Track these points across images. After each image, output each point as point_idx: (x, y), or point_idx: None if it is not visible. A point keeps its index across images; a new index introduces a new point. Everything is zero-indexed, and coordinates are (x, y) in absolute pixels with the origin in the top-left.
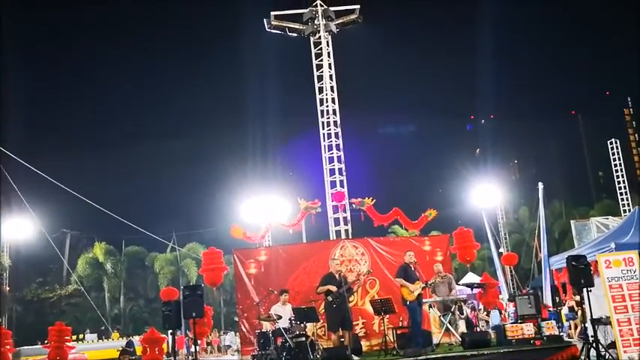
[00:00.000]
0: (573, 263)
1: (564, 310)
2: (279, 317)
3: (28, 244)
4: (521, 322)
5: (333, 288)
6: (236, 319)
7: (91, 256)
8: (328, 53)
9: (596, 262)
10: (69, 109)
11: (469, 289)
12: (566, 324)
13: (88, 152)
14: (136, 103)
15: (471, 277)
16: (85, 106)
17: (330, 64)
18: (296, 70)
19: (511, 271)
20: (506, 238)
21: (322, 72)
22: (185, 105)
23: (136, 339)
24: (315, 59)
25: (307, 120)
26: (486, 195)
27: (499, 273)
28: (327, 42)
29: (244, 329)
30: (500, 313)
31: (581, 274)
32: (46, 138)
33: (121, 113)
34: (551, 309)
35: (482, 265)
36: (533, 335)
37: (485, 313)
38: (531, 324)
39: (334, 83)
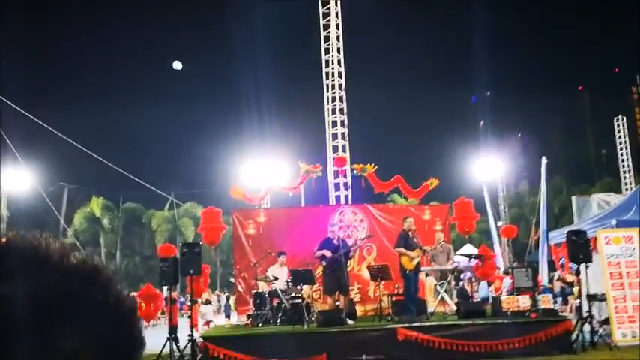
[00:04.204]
0: (573, 238)
1: (556, 287)
2: (276, 278)
3: (26, 196)
4: (517, 294)
5: (328, 253)
6: (232, 279)
7: (88, 210)
8: (336, 13)
9: (596, 238)
10: (74, 61)
11: (466, 259)
12: (559, 299)
13: (92, 106)
14: (141, 60)
15: (469, 249)
16: (90, 60)
17: (337, 25)
18: (301, 31)
19: (508, 245)
20: (505, 212)
21: (329, 32)
22: (189, 64)
23: (132, 295)
24: (323, 19)
25: (311, 82)
26: (488, 168)
27: (496, 245)
28: (337, 1)
29: (240, 289)
30: (489, 284)
31: (581, 249)
32: (49, 89)
33: (126, 68)
34: (545, 284)
35: (479, 237)
36: (529, 308)
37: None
38: (527, 296)
39: (341, 45)
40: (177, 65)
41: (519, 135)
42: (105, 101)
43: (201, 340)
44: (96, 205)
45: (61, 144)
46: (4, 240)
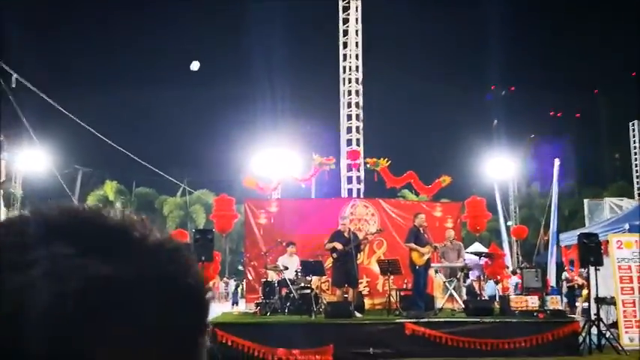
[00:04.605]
0: (584, 241)
1: (564, 289)
2: (286, 268)
3: (40, 177)
4: (526, 295)
5: (339, 246)
6: (241, 267)
7: (101, 193)
8: (356, 7)
9: (607, 241)
10: (92, 43)
11: (476, 257)
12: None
13: (109, 90)
14: (158, 46)
15: (478, 247)
16: (109, 43)
17: (357, 19)
18: (319, 22)
19: (517, 245)
20: (515, 212)
21: (348, 26)
22: (205, 51)
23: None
24: (342, 12)
25: (327, 74)
26: (500, 167)
27: (505, 245)
28: None
29: (250, 277)
30: (497, 283)
31: (592, 252)
32: (68, 71)
33: (144, 54)
34: (554, 285)
35: (489, 236)
36: (537, 308)
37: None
38: (536, 297)
39: (359, 39)
40: (194, 66)
41: (532, 136)
42: (122, 86)
43: (211, 326)
44: (109, 188)
45: (77, 127)
46: (84, 212)
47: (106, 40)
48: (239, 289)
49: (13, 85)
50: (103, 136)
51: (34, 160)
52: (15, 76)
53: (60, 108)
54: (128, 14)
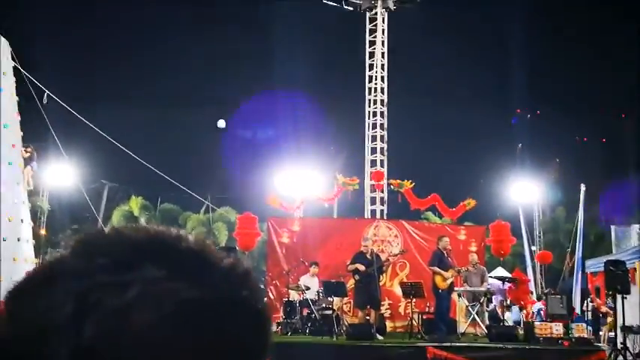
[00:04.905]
0: (611, 268)
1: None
2: (308, 288)
3: (67, 191)
4: (550, 321)
5: (362, 267)
6: (262, 286)
7: (126, 209)
8: (382, 30)
9: (635, 269)
10: (120, 58)
11: (499, 282)
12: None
13: (137, 106)
14: (186, 61)
15: (501, 272)
16: (137, 59)
17: (383, 42)
18: (345, 43)
19: (541, 270)
20: (540, 237)
21: (374, 49)
22: (230, 73)
23: None
24: (369, 35)
25: (352, 95)
26: (525, 191)
27: (529, 270)
28: (383, 18)
29: (271, 296)
30: (521, 310)
31: (619, 279)
32: (96, 88)
33: (174, 71)
34: (579, 312)
35: (512, 260)
36: (562, 335)
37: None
38: (561, 324)
39: (385, 61)
40: (221, 124)
41: (558, 160)
42: (149, 102)
43: None
44: (135, 204)
45: (105, 142)
46: (164, 235)
47: (137, 57)
48: None
49: (45, 102)
50: (130, 151)
51: (61, 175)
52: (47, 92)
53: (88, 123)
54: (156, 31)
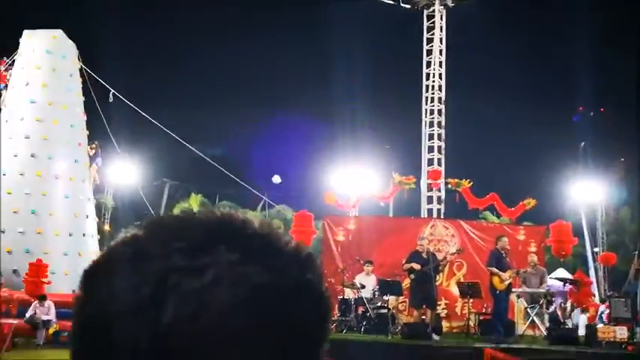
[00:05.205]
0: None
1: None
2: (363, 286)
3: (130, 189)
4: (614, 325)
5: (417, 266)
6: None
7: (186, 206)
8: (440, 27)
9: None
10: (182, 54)
11: (559, 283)
12: None
13: (197, 103)
14: (245, 61)
15: (562, 273)
16: (198, 55)
17: (441, 39)
18: (402, 41)
19: (604, 273)
20: (603, 238)
21: (432, 46)
22: (287, 72)
23: None
24: (427, 33)
25: (408, 93)
26: (587, 191)
27: (592, 272)
28: (441, 16)
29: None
30: (584, 312)
31: None
32: (158, 86)
33: (229, 68)
34: None
35: (573, 261)
36: (626, 339)
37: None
38: (625, 328)
39: (443, 58)
40: (276, 180)
41: (622, 159)
42: (209, 99)
43: None
44: (194, 201)
45: (167, 140)
46: (234, 219)
47: (198, 51)
48: None
49: (111, 100)
50: (190, 149)
51: (124, 173)
52: (112, 92)
53: (152, 120)
54: (219, 31)
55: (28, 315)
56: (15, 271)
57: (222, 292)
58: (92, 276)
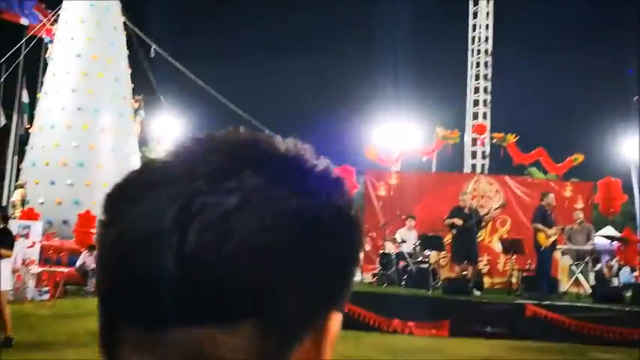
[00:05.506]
0: None
1: None
2: (404, 241)
3: (173, 142)
4: None
5: (459, 221)
6: None
7: None
8: None
9: None
10: (232, 19)
11: (607, 241)
12: None
13: (236, 61)
14: (291, 25)
15: (609, 231)
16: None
17: None
18: None
19: None
20: None
21: None
22: (331, 26)
23: None
24: None
25: (453, 44)
26: (639, 147)
27: None
28: None
29: (367, 248)
30: (633, 271)
31: None
32: (200, 42)
33: (275, 30)
34: None
35: (622, 220)
36: None
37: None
38: None
39: (490, 8)
40: None
41: None
42: (248, 57)
43: None
44: None
45: (208, 97)
46: (259, 139)
47: (233, 10)
48: None
49: (152, 55)
50: (230, 106)
51: (167, 126)
52: (154, 47)
53: (193, 77)
54: None
55: (78, 264)
56: (65, 222)
57: (248, 218)
58: (115, 199)
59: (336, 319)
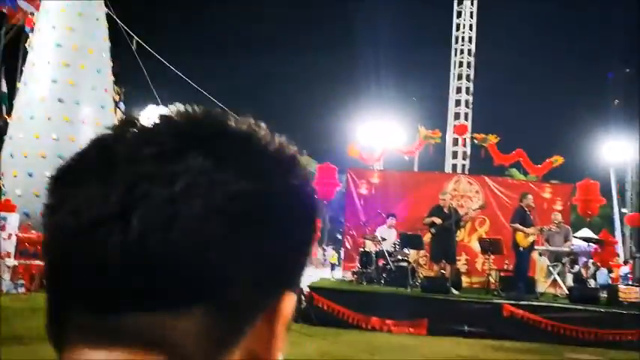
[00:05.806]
0: None
1: None
2: (384, 239)
3: None
4: (637, 286)
5: (438, 220)
6: (339, 236)
7: None
8: None
9: None
10: (221, 18)
11: (584, 244)
12: None
13: (221, 57)
14: (278, 19)
15: (587, 233)
16: (220, 9)
17: None
18: None
19: (631, 234)
20: (632, 199)
21: None
22: (315, 23)
23: None
24: None
25: (436, 45)
26: (618, 150)
27: (617, 233)
28: None
29: (348, 246)
30: (610, 272)
31: None
32: (183, 36)
33: (264, 25)
34: None
35: (600, 222)
36: None
37: (592, 271)
38: None
39: (475, 9)
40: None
41: None
42: (233, 53)
43: (308, 289)
44: None
45: (194, 92)
46: (209, 118)
47: (218, 8)
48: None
49: (134, 48)
50: (214, 101)
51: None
52: (136, 39)
53: (173, 69)
54: None
55: None
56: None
57: (193, 202)
58: (60, 182)
59: (289, 300)
